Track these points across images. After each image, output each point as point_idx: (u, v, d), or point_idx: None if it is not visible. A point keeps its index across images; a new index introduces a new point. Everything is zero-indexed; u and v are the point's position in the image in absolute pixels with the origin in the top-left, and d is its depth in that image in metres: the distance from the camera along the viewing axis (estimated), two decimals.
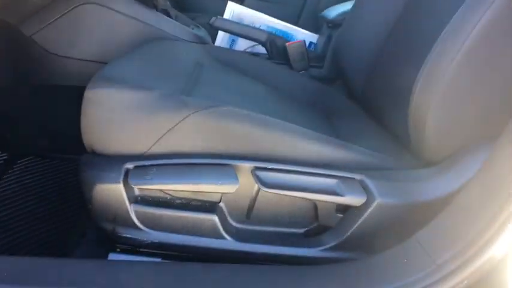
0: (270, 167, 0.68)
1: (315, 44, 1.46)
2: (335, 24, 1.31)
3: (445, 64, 0.66)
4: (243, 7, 1.44)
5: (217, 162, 0.67)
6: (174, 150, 0.68)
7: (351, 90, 1.14)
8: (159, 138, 0.67)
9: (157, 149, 0.68)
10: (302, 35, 1.44)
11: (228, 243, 0.70)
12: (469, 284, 0.58)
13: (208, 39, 1.32)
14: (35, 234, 1.00)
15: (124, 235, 0.69)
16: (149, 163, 0.67)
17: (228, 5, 1.44)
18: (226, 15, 1.43)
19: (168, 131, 0.67)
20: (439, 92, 0.67)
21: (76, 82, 1.19)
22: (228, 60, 1.16)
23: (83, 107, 0.71)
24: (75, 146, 0.84)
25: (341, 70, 1.19)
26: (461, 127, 0.71)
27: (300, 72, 1.25)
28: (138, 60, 0.86)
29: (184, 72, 0.91)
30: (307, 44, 1.41)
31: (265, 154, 0.69)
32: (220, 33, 1.42)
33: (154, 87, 0.71)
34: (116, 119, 0.68)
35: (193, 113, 0.66)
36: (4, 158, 1.22)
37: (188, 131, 0.67)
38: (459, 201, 0.65)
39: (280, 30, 1.44)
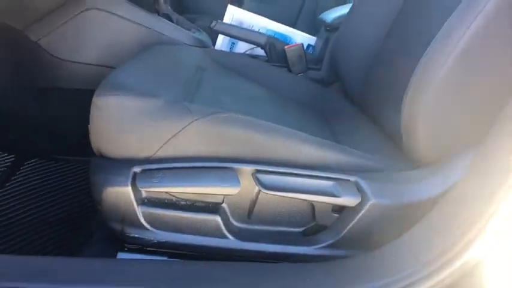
0: (269, 169, 0.72)
1: (313, 47, 1.49)
2: (332, 27, 1.34)
3: (436, 69, 0.69)
4: (243, 10, 1.48)
5: (220, 166, 0.71)
6: (179, 155, 0.71)
7: (348, 92, 1.18)
8: (165, 143, 0.71)
9: (163, 153, 0.71)
10: (300, 37, 1.47)
11: (231, 242, 0.73)
12: (451, 282, 0.62)
13: (209, 42, 1.36)
14: (43, 235, 1.04)
15: (132, 235, 0.73)
16: (155, 167, 0.71)
17: (228, 9, 1.47)
18: (226, 18, 1.46)
19: (173, 136, 0.70)
20: (429, 97, 0.70)
21: (80, 85, 1.23)
22: (228, 63, 1.20)
23: (91, 113, 0.74)
24: (80, 148, 0.88)
25: (338, 73, 1.23)
26: (451, 131, 0.74)
27: (299, 75, 1.29)
28: (143, 66, 0.89)
29: (186, 77, 0.94)
30: (305, 46, 1.45)
31: (266, 158, 0.72)
32: (221, 36, 1.45)
33: (159, 93, 0.74)
34: (123, 125, 0.72)
35: (196, 119, 0.70)
36: (11, 160, 1.25)
37: (192, 136, 0.71)
38: (444, 203, 0.69)
39: (279, 33, 1.47)
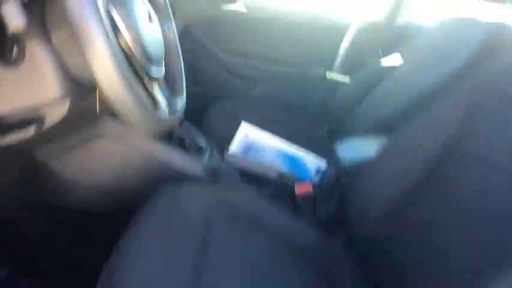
0: None
1: (324, 171, 1.47)
2: (347, 171, 1.32)
3: None
4: (255, 129, 1.46)
5: None
6: None
7: (353, 248, 1.16)
8: None
9: None
10: (311, 161, 1.45)
11: None
12: None
13: (220, 162, 1.35)
14: None
15: None
16: None
17: (241, 126, 1.45)
18: (239, 135, 1.44)
19: None
20: None
21: (82, 205, 1.22)
22: (234, 205, 1.18)
23: None
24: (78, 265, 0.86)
25: (348, 223, 1.21)
26: None
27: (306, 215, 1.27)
28: (145, 254, 0.87)
29: (192, 245, 0.95)
30: (315, 169, 1.44)
31: None
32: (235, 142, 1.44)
33: None
34: None
35: None
36: (5, 273, 1.24)
37: None
38: None
39: (290, 155, 1.45)
